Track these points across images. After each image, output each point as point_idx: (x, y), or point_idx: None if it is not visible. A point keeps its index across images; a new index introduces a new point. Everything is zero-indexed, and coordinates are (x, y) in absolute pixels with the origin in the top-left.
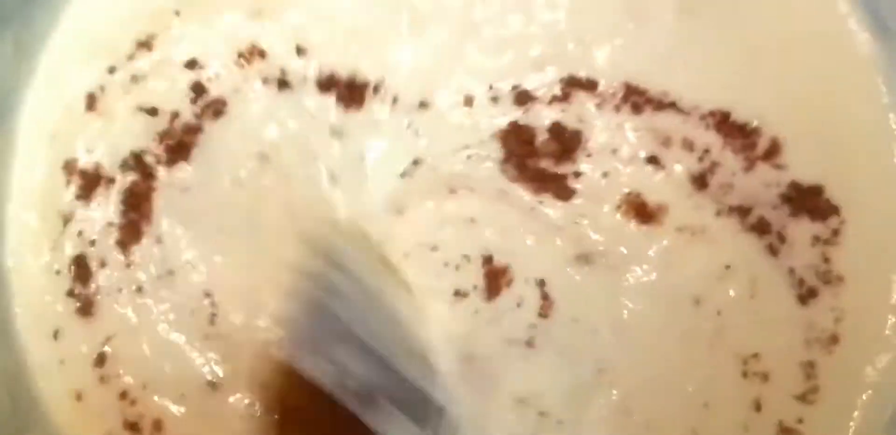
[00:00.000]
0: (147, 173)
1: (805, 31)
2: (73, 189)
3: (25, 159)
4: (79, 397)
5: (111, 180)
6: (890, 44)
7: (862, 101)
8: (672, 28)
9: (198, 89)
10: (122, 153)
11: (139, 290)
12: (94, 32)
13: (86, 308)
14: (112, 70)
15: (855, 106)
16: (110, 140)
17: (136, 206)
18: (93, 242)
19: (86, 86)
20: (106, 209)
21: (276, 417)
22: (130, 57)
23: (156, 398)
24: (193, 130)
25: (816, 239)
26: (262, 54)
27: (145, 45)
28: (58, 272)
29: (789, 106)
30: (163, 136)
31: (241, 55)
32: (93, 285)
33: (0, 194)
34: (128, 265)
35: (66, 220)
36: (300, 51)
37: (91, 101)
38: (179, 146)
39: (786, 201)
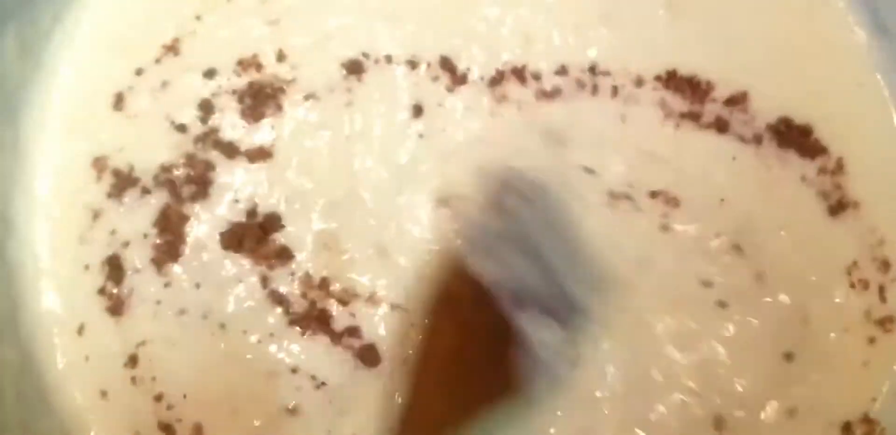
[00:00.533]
0: (177, 194)
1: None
2: (104, 186)
3: (48, 152)
4: (104, 395)
5: (147, 190)
6: (887, 42)
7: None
8: (660, 25)
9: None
10: (155, 162)
11: (182, 312)
12: (118, 32)
13: (116, 308)
14: (140, 72)
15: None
16: (141, 146)
17: (169, 229)
18: (126, 244)
19: (113, 85)
20: (138, 216)
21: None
22: (158, 60)
23: (199, 407)
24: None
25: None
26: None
27: (171, 48)
28: (87, 268)
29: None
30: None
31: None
32: (125, 288)
33: (19, 187)
34: (166, 284)
35: (96, 215)
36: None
37: (118, 101)
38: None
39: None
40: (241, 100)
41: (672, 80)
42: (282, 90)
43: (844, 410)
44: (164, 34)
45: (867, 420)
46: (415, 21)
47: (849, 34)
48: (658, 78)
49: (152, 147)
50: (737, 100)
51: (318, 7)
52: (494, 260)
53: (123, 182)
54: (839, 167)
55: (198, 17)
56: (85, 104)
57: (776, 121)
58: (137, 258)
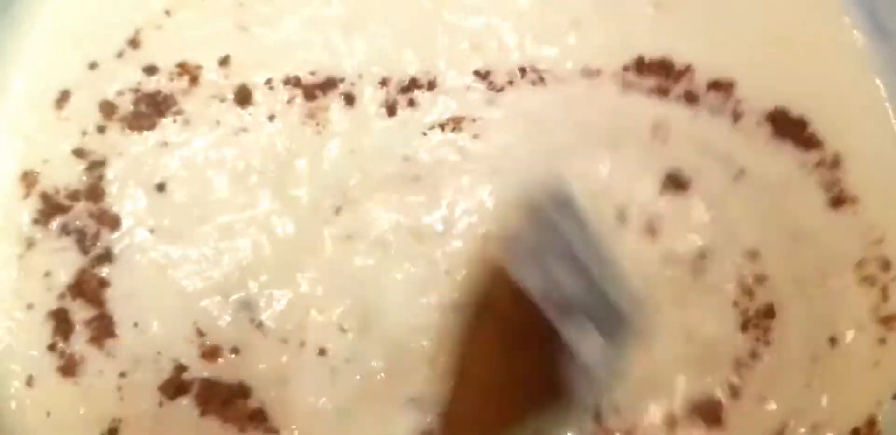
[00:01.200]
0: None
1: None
2: (31, 210)
3: None
4: None
5: (66, 231)
6: (887, 43)
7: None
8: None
9: None
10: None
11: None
12: (78, 22)
13: (69, 369)
14: (93, 66)
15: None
16: (59, 158)
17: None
18: (62, 296)
19: (62, 81)
20: (65, 262)
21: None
22: (120, 55)
23: None
24: None
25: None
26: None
27: (133, 43)
28: (30, 307)
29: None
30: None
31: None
32: (76, 346)
33: None
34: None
35: (29, 244)
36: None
37: (62, 99)
38: None
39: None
40: (136, 104)
41: (641, 67)
42: (173, 101)
43: (854, 416)
44: (127, 28)
45: (871, 423)
46: (378, 33)
47: (846, 35)
48: (625, 68)
49: (65, 163)
50: (722, 86)
51: (285, 17)
52: (538, 270)
53: (50, 208)
54: (836, 162)
55: (167, 12)
56: (29, 100)
57: (772, 110)
58: (77, 325)
